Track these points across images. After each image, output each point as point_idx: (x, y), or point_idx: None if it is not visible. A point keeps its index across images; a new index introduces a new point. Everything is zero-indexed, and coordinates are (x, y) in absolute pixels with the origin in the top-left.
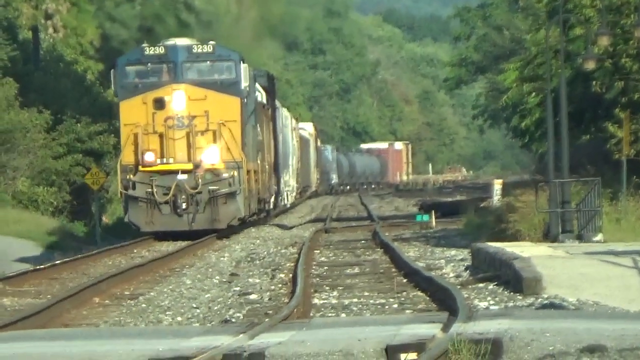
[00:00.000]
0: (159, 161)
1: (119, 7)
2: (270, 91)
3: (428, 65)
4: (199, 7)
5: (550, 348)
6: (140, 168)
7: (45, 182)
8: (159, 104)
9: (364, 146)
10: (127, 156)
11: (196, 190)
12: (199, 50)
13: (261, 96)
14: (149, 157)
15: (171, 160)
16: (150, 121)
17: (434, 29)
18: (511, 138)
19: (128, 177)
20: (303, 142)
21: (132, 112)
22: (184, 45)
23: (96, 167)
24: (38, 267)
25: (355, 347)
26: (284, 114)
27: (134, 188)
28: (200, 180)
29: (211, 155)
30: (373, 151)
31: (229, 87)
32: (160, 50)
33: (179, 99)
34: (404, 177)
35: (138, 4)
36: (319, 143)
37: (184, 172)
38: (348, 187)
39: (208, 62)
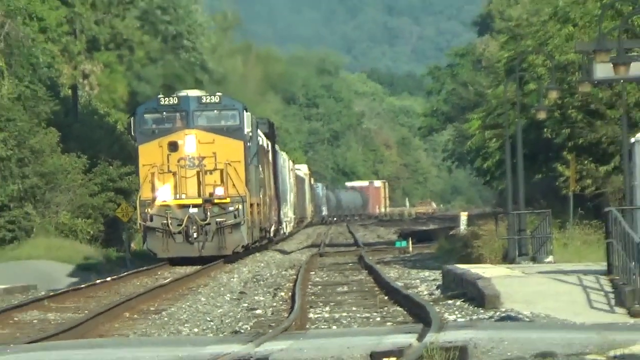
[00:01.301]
0: (173, 197)
1: (145, 67)
2: (270, 136)
3: (405, 116)
4: (211, 67)
5: (508, 354)
6: (157, 203)
7: (83, 215)
8: (173, 146)
9: (348, 184)
10: (145, 192)
11: (205, 222)
12: (208, 101)
13: (263, 140)
14: (164, 193)
15: (183, 195)
16: (165, 162)
17: (410, 85)
18: (475, 176)
19: (146, 210)
20: (299, 180)
21: (150, 154)
22: (194, 96)
23: (125, 203)
24: (77, 287)
25: (345, 353)
26: (283, 156)
27: (151, 220)
28: (209, 213)
29: (218, 191)
30: (356, 188)
31: (234, 132)
32: (174, 100)
33: (191, 142)
34: (382, 210)
35: (160, 66)
36: (312, 181)
37: (194, 206)
38: (335, 218)
39: (215, 110)
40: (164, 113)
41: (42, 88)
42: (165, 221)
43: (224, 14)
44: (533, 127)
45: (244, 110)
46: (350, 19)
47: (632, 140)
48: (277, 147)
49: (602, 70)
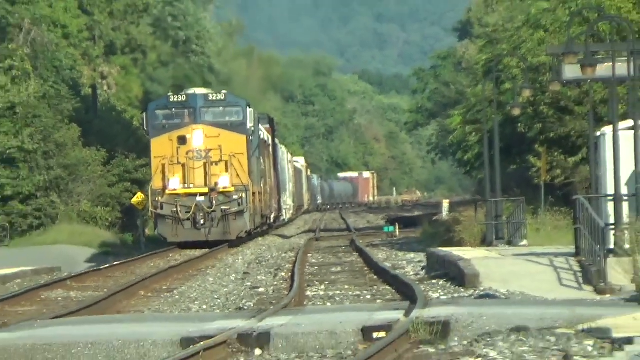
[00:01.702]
0: (181, 186)
1: (157, 70)
2: (271, 131)
3: (393, 112)
4: (218, 69)
5: (487, 328)
6: (167, 192)
7: (102, 203)
8: (182, 140)
9: (340, 175)
10: (156, 182)
11: (211, 209)
12: (214, 98)
13: (264, 134)
14: (174, 183)
15: (191, 185)
16: (175, 154)
17: (397, 85)
18: (456, 167)
19: (157, 199)
20: (297, 171)
21: (161, 147)
22: (201, 94)
23: (140, 192)
24: (97, 268)
25: (338, 328)
26: (282, 149)
27: (162, 208)
28: (214, 201)
29: (223, 181)
30: (347, 178)
31: (238, 127)
32: (182, 97)
33: (198, 136)
34: (371, 198)
35: (171, 68)
36: (309, 172)
37: (201, 194)
38: (328, 206)
39: (221, 107)
40: (174, 109)
41: (65, 88)
42: (174, 209)
43: (229, 21)
44: (508, 123)
45: (247, 107)
46: (343, 26)
47: (598, 133)
48: (277, 140)
49: (571, 71)
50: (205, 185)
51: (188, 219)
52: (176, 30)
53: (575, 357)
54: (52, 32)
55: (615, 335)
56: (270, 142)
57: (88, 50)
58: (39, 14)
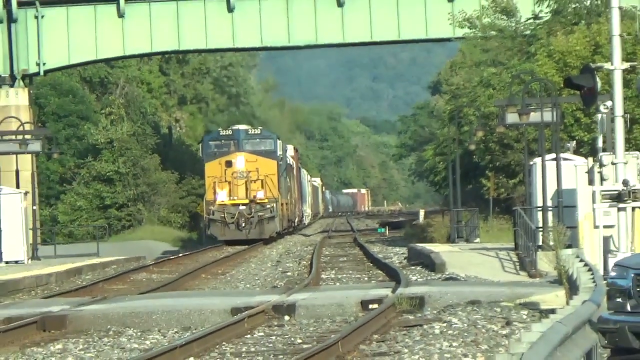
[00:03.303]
0: (228, 198)
1: (215, 115)
2: (295, 157)
3: (384, 147)
4: (258, 116)
5: (450, 301)
6: (217, 202)
7: (175, 210)
8: (229, 164)
9: (343, 190)
10: (209, 195)
11: (250, 215)
12: (252, 132)
13: (290, 160)
14: (222, 195)
15: (235, 197)
16: (223, 174)
17: (387, 127)
18: (429, 186)
19: (210, 207)
20: (314, 188)
21: (212, 169)
22: (243, 129)
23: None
24: (171, 257)
25: (344, 301)
26: (304, 172)
27: (213, 214)
28: (253, 209)
29: (259, 194)
30: (349, 193)
31: (270, 154)
32: (229, 131)
33: (241, 161)
34: (366, 208)
35: (226, 114)
36: (323, 189)
37: (243, 204)
38: (337, 213)
39: (257, 139)
40: (223, 140)
41: (149, 128)
42: (223, 215)
43: (267, 81)
44: (467, 155)
45: (277, 139)
46: (349, 84)
47: (531, 163)
48: (300, 165)
49: (512, 117)
50: (246, 197)
51: (233, 223)
52: (229, 87)
53: (514, 323)
54: (140, 88)
55: (543, 307)
56: (294, 166)
57: (166, 101)
58: (130, 74)
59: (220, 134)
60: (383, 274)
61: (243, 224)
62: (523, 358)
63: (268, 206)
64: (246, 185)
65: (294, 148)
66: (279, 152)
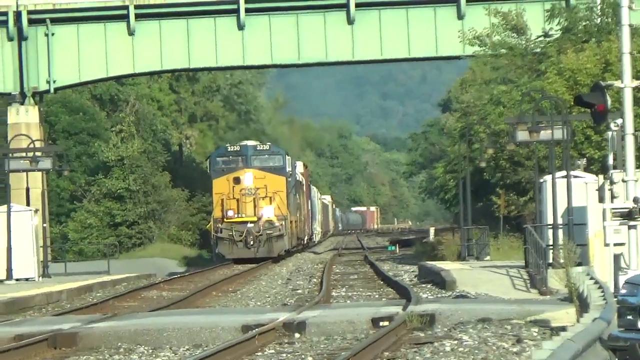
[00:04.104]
0: (236, 216)
1: (225, 133)
2: (305, 174)
3: (394, 164)
4: (268, 133)
5: (461, 319)
6: (225, 220)
7: (185, 228)
8: (237, 180)
9: (353, 208)
10: (217, 213)
11: (259, 233)
12: (260, 148)
13: (300, 177)
14: (230, 213)
15: (244, 215)
16: (231, 191)
17: (398, 145)
18: (440, 204)
19: (217, 225)
20: (324, 205)
21: (220, 186)
22: (251, 145)
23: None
24: (182, 275)
25: (355, 318)
26: (314, 189)
27: (221, 232)
28: (261, 227)
29: (268, 212)
30: (358, 211)
31: (279, 170)
32: (237, 147)
33: (249, 177)
34: (375, 226)
35: (236, 132)
36: (334, 206)
37: (251, 222)
38: (348, 231)
39: (266, 155)
40: (230, 157)
41: (159, 145)
42: (231, 233)
43: (276, 98)
44: (477, 172)
45: (286, 155)
46: (359, 102)
47: (541, 180)
48: (310, 182)
49: (522, 135)
50: (254, 215)
51: (241, 241)
52: (239, 104)
53: (525, 340)
54: (150, 105)
55: (553, 324)
56: (304, 182)
57: (176, 119)
58: (141, 92)
59: (228, 149)
60: (393, 292)
61: (251, 242)
62: None
63: (277, 224)
64: (254, 203)
65: (304, 164)
66: (288, 168)
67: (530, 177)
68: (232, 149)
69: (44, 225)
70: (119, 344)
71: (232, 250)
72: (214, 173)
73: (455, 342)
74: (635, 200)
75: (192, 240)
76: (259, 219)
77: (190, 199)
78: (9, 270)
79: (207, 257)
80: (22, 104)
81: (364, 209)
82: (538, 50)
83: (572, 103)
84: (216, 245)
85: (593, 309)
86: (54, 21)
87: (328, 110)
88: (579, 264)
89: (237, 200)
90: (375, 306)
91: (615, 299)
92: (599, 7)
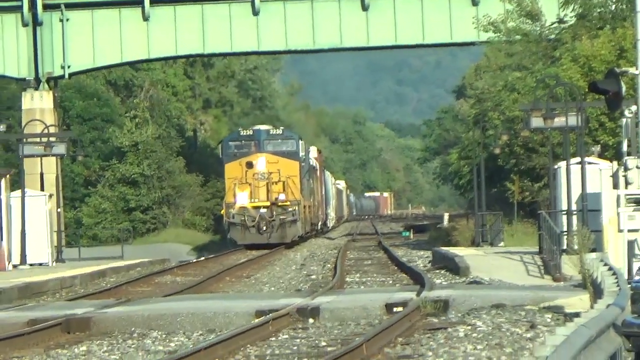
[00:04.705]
0: (248, 201)
1: (240, 119)
2: (319, 159)
3: (409, 151)
4: (282, 119)
5: (474, 305)
6: (237, 205)
7: (199, 213)
8: (249, 165)
9: (367, 194)
10: (229, 198)
11: (272, 219)
12: (274, 132)
13: (313, 162)
14: (243, 198)
15: (256, 200)
16: (243, 176)
17: (412, 131)
18: (454, 190)
19: (230, 210)
20: (339, 191)
21: (233, 170)
22: (264, 129)
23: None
24: (196, 260)
25: (369, 304)
26: (328, 174)
27: (233, 217)
28: (274, 212)
29: (281, 197)
30: (372, 197)
31: (292, 155)
32: (250, 132)
33: (262, 162)
34: (388, 212)
35: (250, 117)
36: (348, 192)
37: (264, 207)
38: (360, 216)
39: (279, 139)
40: (243, 141)
41: (174, 131)
42: (243, 218)
43: (291, 84)
44: (491, 158)
45: (299, 140)
46: (373, 88)
47: (555, 167)
48: (324, 167)
49: (536, 122)
50: (267, 200)
51: (253, 226)
52: (254, 90)
53: (538, 326)
54: (165, 91)
55: (567, 310)
56: (318, 167)
57: (190, 104)
58: (155, 78)
59: (241, 134)
60: (407, 278)
61: (264, 228)
62: None
63: (290, 209)
64: (267, 187)
65: (317, 150)
66: (302, 153)
67: (544, 164)
68: (244, 133)
69: (58, 210)
70: (133, 328)
71: (245, 236)
72: (226, 157)
73: (469, 327)
74: None
75: (207, 226)
76: (272, 204)
77: (204, 184)
78: (23, 255)
79: (220, 242)
80: (36, 89)
81: (377, 194)
82: (553, 36)
83: (587, 90)
84: (228, 230)
85: (607, 295)
86: (69, 6)
87: (342, 96)
88: (593, 250)
89: (250, 185)
90: (389, 292)
91: (629, 285)
92: None
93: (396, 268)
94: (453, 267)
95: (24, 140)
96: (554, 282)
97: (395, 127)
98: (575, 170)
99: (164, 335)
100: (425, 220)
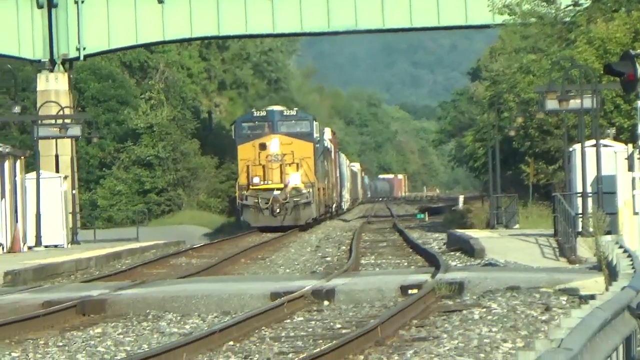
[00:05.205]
0: (262, 183)
1: (255, 101)
2: (333, 141)
3: (424, 133)
4: (297, 101)
5: (489, 287)
6: (250, 187)
7: (214, 195)
8: (263, 146)
9: (380, 176)
10: (242, 180)
11: (285, 201)
12: (287, 113)
13: (328, 144)
14: (256, 180)
15: (270, 182)
16: (257, 157)
17: (427, 113)
18: (469, 172)
19: (243, 192)
20: (353, 173)
21: (246, 152)
22: (278, 110)
23: None
24: (211, 242)
25: (383, 286)
26: (342, 156)
27: (246, 200)
28: (288, 194)
29: (295, 179)
30: (386, 179)
31: (306, 136)
32: (263, 113)
33: (275, 143)
34: (403, 194)
35: (265, 100)
36: (362, 174)
37: (278, 189)
38: (375, 199)
39: (293, 120)
40: (256, 122)
41: (189, 113)
42: (256, 200)
43: (307, 66)
44: (506, 141)
45: (314, 121)
46: (389, 70)
47: (570, 149)
48: (338, 149)
49: (551, 104)
50: (281, 182)
51: (267, 208)
52: (269, 72)
53: (554, 308)
54: (180, 73)
55: (582, 293)
56: (332, 149)
57: (205, 86)
58: (170, 59)
59: (254, 115)
60: (422, 260)
61: (278, 210)
62: (562, 344)
63: (304, 191)
64: (281, 169)
65: (332, 131)
66: (316, 135)
67: (559, 146)
68: (258, 114)
69: (73, 192)
70: (148, 310)
71: (258, 218)
72: (239, 139)
73: (484, 310)
74: None
75: (221, 208)
76: (286, 186)
77: (219, 166)
78: (38, 237)
79: (234, 224)
80: (51, 71)
81: (391, 176)
82: (568, 19)
83: (602, 72)
84: (241, 212)
85: (622, 277)
86: None
87: (357, 78)
88: (608, 233)
89: (263, 166)
90: (403, 274)
91: None
92: None
93: (411, 250)
94: (468, 249)
95: (39, 122)
96: (569, 264)
97: (411, 109)
98: (590, 152)
99: (178, 318)
100: (440, 203)
